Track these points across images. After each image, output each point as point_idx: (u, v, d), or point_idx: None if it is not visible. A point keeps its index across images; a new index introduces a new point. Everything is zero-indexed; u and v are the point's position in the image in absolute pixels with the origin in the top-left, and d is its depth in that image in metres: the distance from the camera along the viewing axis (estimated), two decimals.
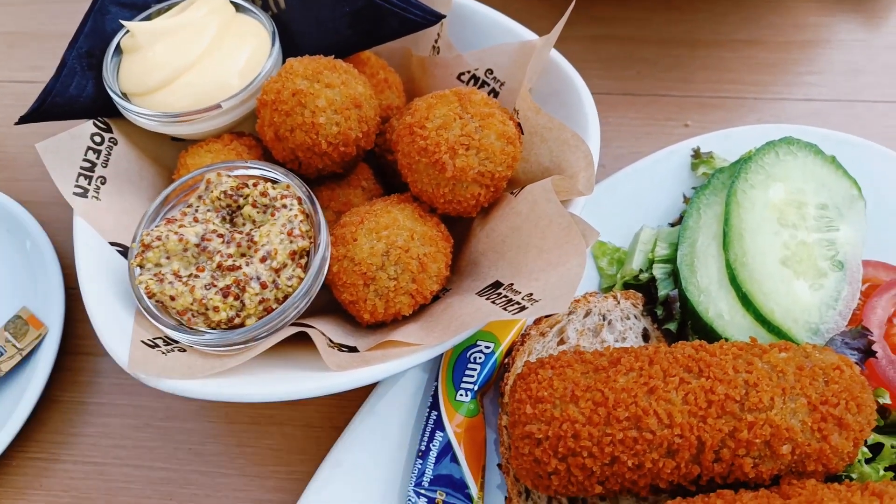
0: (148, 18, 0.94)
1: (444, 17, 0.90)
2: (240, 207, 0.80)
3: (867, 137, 0.97)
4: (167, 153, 0.96)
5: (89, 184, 0.87)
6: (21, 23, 1.29)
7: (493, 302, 0.75)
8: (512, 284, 0.77)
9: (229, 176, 0.81)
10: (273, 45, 0.91)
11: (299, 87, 0.81)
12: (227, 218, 0.81)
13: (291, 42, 0.94)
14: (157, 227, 0.80)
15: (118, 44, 0.92)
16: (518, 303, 0.73)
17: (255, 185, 0.80)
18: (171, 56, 0.88)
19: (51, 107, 0.88)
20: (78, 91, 0.90)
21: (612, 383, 0.73)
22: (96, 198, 0.87)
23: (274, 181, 0.81)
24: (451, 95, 0.81)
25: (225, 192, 0.80)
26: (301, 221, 0.78)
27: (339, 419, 0.91)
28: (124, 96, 0.89)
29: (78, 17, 0.91)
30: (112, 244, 0.85)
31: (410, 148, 0.80)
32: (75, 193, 0.86)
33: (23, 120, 0.88)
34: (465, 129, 0.78)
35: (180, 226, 0.79)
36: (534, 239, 0.78)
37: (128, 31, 0.91)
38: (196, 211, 0.81)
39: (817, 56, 1.15)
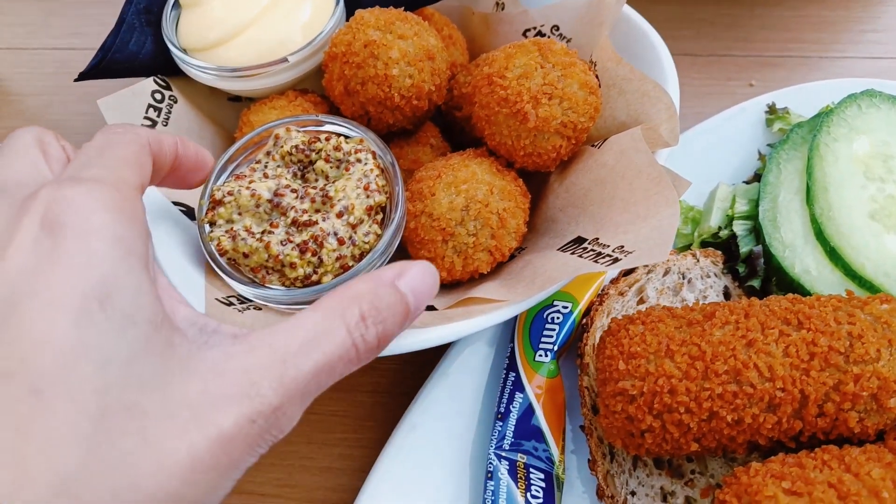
0: None
1: None
2: (312, 163, 0.77)
3: None
4: (226, 113, 0.94)
5: None
6: None
7: (579, 256, 0.73)
8: (597, 239, 0.74)
9: (299, 131, 0.78)
10: (337, 2, 0.88)
11: (371, 38, 0.79)
12: (299, 174, 0.78)
13: None
14: (227, 182, 0.77)
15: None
16: (609, 255, 0.70)
17: (327, 139, 0.77)
18: (231, 11, 0.86)
19: (111, 63, 0.85)
20: (137, 47, 0.87)
21: (708, 337, 0.70)
22: None
23: (347, 136, 0.79)
24: (531, 45, 0.79)
25: (296, 147, 0.77)
26: (377, 176, 0.75)
27: (407, 385, 0.89)
28: (184, 51, 0.87)
29: None
30: (175, 203, 0.83)
31: (489, 99, 0.77)
32: None
33: (82, 76, 0.85)
34: (548, 78, 0.75)
35: (251, 181, 0.77)
36: (619, 191, 0.75)
37: None
38: (265, 167, 0.78)
39: (881, 13, 1.12)
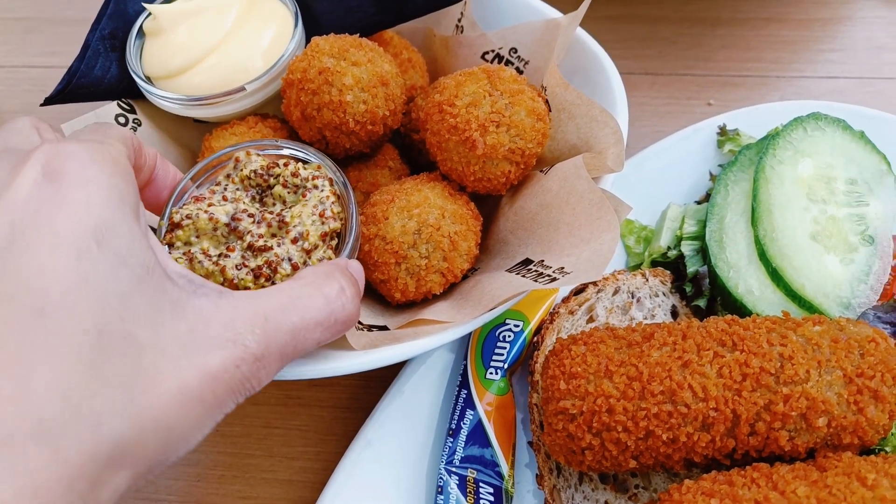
0: (169, 0, 0.94)
1: None
2: (270, 187, 0.80)
3: (891, 114, 0.97)
4: (190, 135, 0.96)
5: None
6: (38, 8, 1.29)
7: (523, 276, 0.75)
8: (542, 261, 0.77)
9: (259, 155, 0.81)
10: (296, 25, 0.90)
11: (326, 65, 0.81)
12: (257, 197, 0.80)
13: (314, 22, 0.93)
14: (185, 204, 0.80)
15: (141, 26, 0.92)
16: (549, 276, 0.73)
17: (285, 164, 0.79)
18: (193, 39, 0.88)
19: (76, 88, 0.88)
20: (102, 72, 0.89)
21: (645, 358, 0.72)
22: None
23: (305, 161, 0.81)
24: (480, 73, 0.81)
25: (255, 171, 0.79)
26: (333, 203, 0.77)
27: (366, 400, 0.91)
28: (148, 79, 0.89)
29: (94, 4, 0.90)
30: None
31: (440, 126, 0.79)
32: None
33: (48, 101, 0.87)
34: (495, 105, 0.78)
35: (209, 204, 0.79)
36: (564, 216, 0.78)
37: (150, 14, 0.90)
38: (225, 189, 0.80)
39: (839, 33, 1.15)
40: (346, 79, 0.81)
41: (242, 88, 0.86)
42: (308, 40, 0.91)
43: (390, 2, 0.89)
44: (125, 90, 0.91)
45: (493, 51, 0.95)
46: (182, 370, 0.49)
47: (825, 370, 0.69)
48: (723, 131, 0.96)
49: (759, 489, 0.66)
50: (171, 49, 0.88)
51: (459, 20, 0.97)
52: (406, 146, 0.94)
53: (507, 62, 0.95)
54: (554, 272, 0.73)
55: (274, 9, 0.92)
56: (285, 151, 0.82)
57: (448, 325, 0.75)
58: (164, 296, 0.52)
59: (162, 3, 0.93)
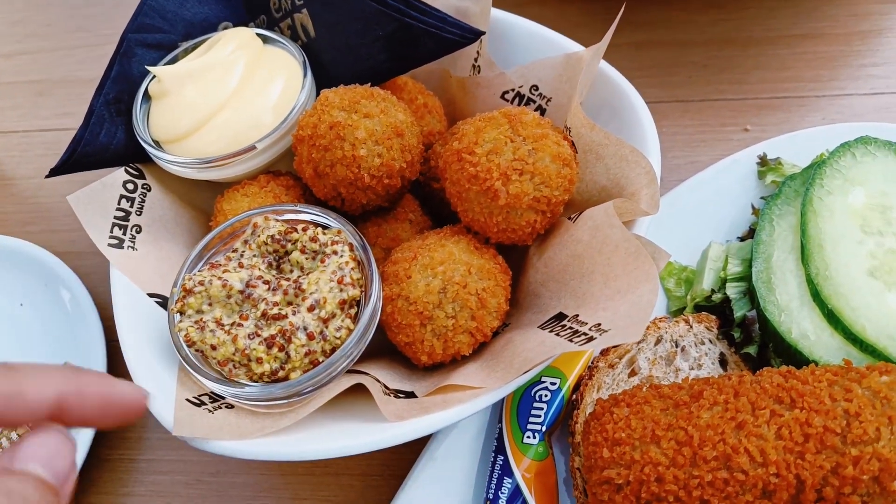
0: (175, 59, 0.91)
1: (483, 33, 0.85)
2: (288, 253, 0.76)
3: None
4: (202, 196, 0.93)
5: (124, 234, 0.83)
6: (48, 70, 1.27)
7: (557, 334, 0.70)
8: (577, 315, 0.71)
9: (277, 220, 0.77)
10: (305, 76, 0.86)
11: (336, 120, 0.77)
12: (274, 264, 0.77)
13: (323, 72, 0.90)
14: (199, 271, 0.76)
15: (146, 89, 0.88)
16: (585, 334, 0.67)
17: (304, 229, 0.75)
18: (200, 99, 0.84)
19: (81, 157, 0.84)
20: (108, 139, 0.86)
21: (695, 420, 0.66)
22: (132, 248, 0.83)
23: (324, 226, 0.77)
24: (500, 117, 0.76)
25: (272, 237, 0.75)
26: (352, 269, 0.73)
27: (397, 467, 0.86)
28: (156, 144, 0.86)
29: (104, 62, 0.87)
30: (151, 295, 0.81)
31: (459, 175, 0.75)
32: (110, 245, 0.82)
33: (53, 172, 0.84)
34: (518, 152, 0.73)
35: (224, 271, 0.75)
36: (598, 266, 0.72)
37: (154, 77, 0.87)
38: (241, 256, 0.77)
39: (880, 46, 1.08)
40: (358, 132, 0.77)
41: (253, 147, 0.83)
42: (318, 91, 0.87)
43: (401, 47, 0.85)
44: (133, 155, 0.87)
45: (513, 90, 0.90)
46: None
47: None
48: (763, 161, 0.90)
49: None
50: (178, 111, 0.85)
51: (476, 60, 0.93)
52: (427, 196, 0.89)
53: (529, 101, 0.90)
54: (590, 330, 0.67)
55: (281, 60, 0.89)
56: (304, 216, 0.78)
57: (480, 392, 0.70)
58: None
59: (167, 63, 0.90)
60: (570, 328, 0.70)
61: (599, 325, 0.67)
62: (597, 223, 0.73)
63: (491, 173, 0.73)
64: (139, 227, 0.85)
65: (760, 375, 0.69)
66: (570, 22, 1.06)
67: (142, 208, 0.85)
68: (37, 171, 1.16)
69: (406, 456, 0.85)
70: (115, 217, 0.83)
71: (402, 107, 0.82)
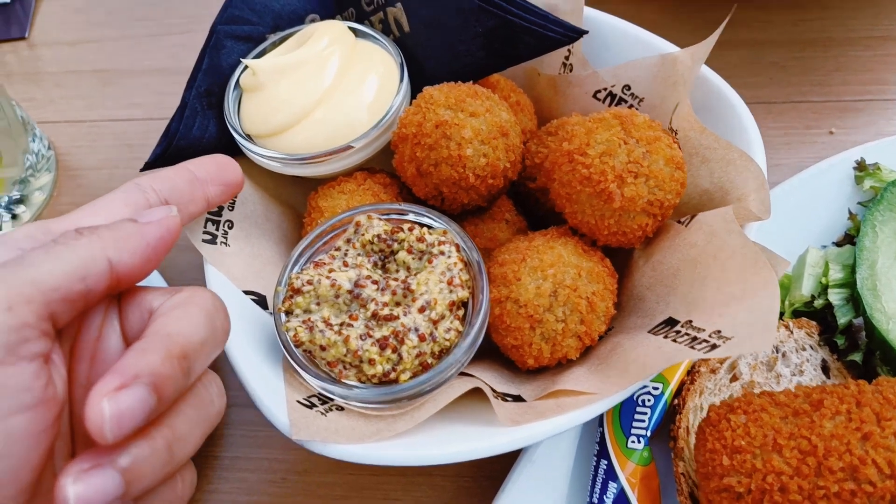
0: (263, 52, 0.90)
1: (586, 32, 0.84)
2: (394, 253, 0.75)
3: None
4: (291, 192, 0.92)
5: (217, 229, 0.83)
6: (114, 60, 1.25)
7: (673, 340, 0.69)
8: (690, 321, 0.70)
9: (381, 219, 0.76)
10: (402, 74, 0.85)
11: (442, 118, 0.76)
12: (379, 264, 0.76)
13: (418, 67, 0.88)
14: (305, 269, 0.75)
15: (237, 81, 0.87)
16: (706, 340, 0.67)
17: (410, 229, 0.74)
18: (295, 94, 0.83)
19: (176, 150, 0.84)
20: (201, 132, 0.85)
21: (818, 429, 0.66)
22: (225, 243, 0.82)
23: (429, 226, 0.76)
24: (611, 118, 0.75)
25: (378, 236, 0.74)
26: (461, 270, 0.73)
27: (490, 468, 0.86)
28: (248, 137, 0.85)
29: (170, 52, 0.86)
30: (246, 293, 0.81)
31: (570, 177, 0.74)
32: (204, 241, 0.81)
33: (148, 166, 0.84)
34: (632, 154, 0.72)
35: (330, 270, 0.74)
36: (712, 271, 0.71)
37: (246, 68, 0.86)
38: (345, 255, 0.76)
39: None
40: (465, 131, 0.76)
41: (350, 146, 0.82)
42: (413, 88, 0.86)
43: (501, 45, 0.84)
44: (224, 148, 0.86)
45: (605, 89, 0.89)
46: None
47: None
48: (861, 166, 0.89)
49: None
50: (271, 106, 0.84)
51: (567, 58, 0.92)
52: (520, 195, 0.88)
53: (621, 100, 0.89)
54: (710, 336, 0.67)
55: (376, 56, 0.87)
56: (410, 216, 0.77)
57: (595, 397, 0.69)
58: None
59: (256, 56, 0.89)
60: (688, 335, 0.69)
61: (720, 332, 0.66)
62: (713, 228, 0.72)
63: (605, 175, 0.72)
64: (231, 222, 0.84)
65: (881, 385, 0.68)
66: (647, 21, 1.03)
67: (233, 203, 0.84)
68: (106, 162, 1.15)
69: (498, 458, 0.83)
70: (209, 212, 0.82)
71: (505, 105, 0.81)
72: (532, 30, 0.82)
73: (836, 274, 0.82)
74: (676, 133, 0.80)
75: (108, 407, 0.48)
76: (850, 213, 0.88)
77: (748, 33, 1.11)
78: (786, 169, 0.96)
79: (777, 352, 0.80)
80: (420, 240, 0.74)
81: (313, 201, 0.84)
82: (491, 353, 0.79)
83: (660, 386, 0.79)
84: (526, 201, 0.88)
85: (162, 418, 0.54)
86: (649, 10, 1.13)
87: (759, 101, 1.06)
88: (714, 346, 0.65)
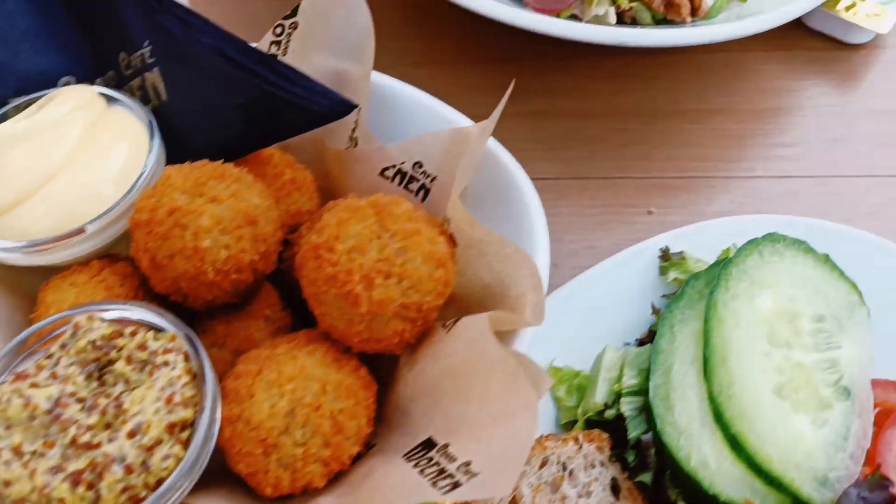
0: (3, 118, 0.78)
1: (356, 106, 0.75)
2: (111, 362, 0.64)
3: (851, 218, 0.86)
4: (26, 280, 0.79)
5: None
6: None
7: (421, 471, 0.60)
8: (447, 445, 0.61)
9: (104, 320, 0.65)
10: (153, 140, 0.75)
11: (177, 204, 0.66)
12: (95, 374, 0.64)
13: (178, 140, 0.78)
14: (1, 384, 0.63)
15: None
16: (451, 475, 0.58)
17: (132, 334, 0.64)
18: (27, 165, 0.72)
19: None
20: None
21: None
22: None
23: (158, 329, 0.65)
24: (368, 208, 0.66)
25: (93, 343, 0.63)
26: (185, 384, 0.62)
27: None
28: None
29: None
30: None
31: (316, 275, 0.65)
32: None
33: None
34: (384, 251, 0.63)
35: (31, 384, 0.62)
36: (475, 386, 0.63)
37: None
38: (56, 364, 0.64)
39: (790, 125, 1.03)
40: (202, 220, 0.66)
41: (82, 230, 0.71)
42: (176, 163, 0.76)
43: (263, 118, 0.74)
44: None
45: (394, 166, 0.80)
46: None
47: None
48: (665, 255, 0.82)
49: None
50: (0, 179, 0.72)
51: (353, 131, 0.83)
52: (290, 286, 0.78)
53: (412, 179, 0.80)
54: (458, 470, 0.58)
55: (127, 125, 0.78)
56: (135, 315, 0.66)
57: None
58: None
59: None
60: (437, 465, 0.60)
61: (469, 464, 0.58)
62: (472, 335, 0.64)
63: (351, 275, 0.63)
64: None
65: None
66: (467, 86, 0.97)
67: None
68: None
69: None
70: None
71: (258, 188, 0.71)
72: (295, 103, 0.73)
73: (630, 380, 0.74)
74: (450, 222, 0.71)
75: None
76: (654, 307, 0.81)
77: (569, 103, 1.05)
78: (601, 250, 0.89)
79: (564, 469, 0.72)
80: (142, 347, 0.64)
81: (42, 294, 0.73)
82: (233, 477, 0.68)
83: None
84: (297, 294, 0.78)
85: None
86: (471, 75, 1.06)
87: (577, 176, 0.99)
88: (456, 485, 0.56)
